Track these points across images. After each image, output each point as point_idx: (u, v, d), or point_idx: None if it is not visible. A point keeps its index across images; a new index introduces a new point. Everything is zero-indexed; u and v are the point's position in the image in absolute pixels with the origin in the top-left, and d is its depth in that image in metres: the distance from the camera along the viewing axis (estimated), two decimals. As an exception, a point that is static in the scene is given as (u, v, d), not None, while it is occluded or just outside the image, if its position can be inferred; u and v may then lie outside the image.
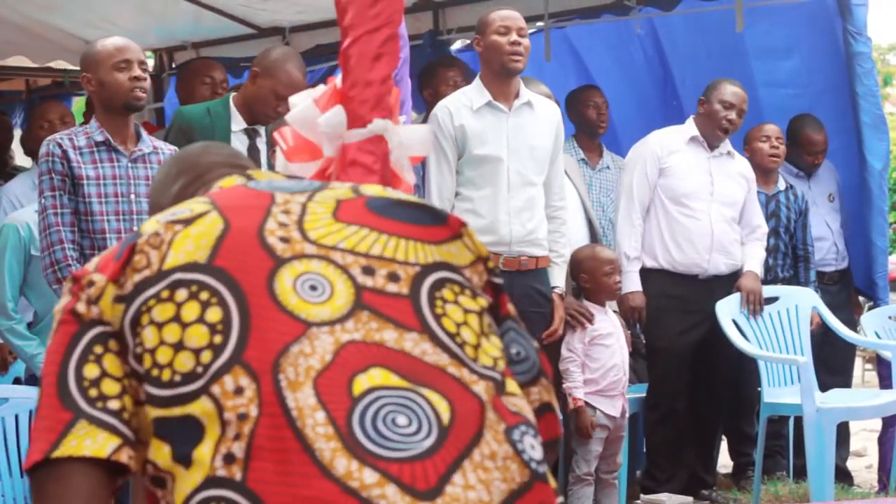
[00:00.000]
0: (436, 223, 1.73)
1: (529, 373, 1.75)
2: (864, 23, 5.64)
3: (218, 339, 1.58)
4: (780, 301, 5.60)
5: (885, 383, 5.74)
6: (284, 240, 1.64)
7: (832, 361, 5.82)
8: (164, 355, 1.58)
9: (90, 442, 1.57)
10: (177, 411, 1.57)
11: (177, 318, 1.58)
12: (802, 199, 5.89)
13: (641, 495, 5.40)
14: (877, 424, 6.15)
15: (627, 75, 6.55)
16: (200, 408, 1.56)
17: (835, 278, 6.01)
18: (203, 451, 1.54)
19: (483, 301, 1.68)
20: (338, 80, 2.35)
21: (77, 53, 6.87)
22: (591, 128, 5.97)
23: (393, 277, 1.65)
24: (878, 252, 5.85)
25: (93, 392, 1.59)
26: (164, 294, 1.59)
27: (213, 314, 1.59)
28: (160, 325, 1.58)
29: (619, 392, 4.86)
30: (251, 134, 4.65)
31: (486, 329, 1.66)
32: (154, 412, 1.58)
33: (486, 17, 4.71)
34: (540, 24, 6.43)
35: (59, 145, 3.81)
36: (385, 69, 2.30)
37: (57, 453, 1.57)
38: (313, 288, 1.62)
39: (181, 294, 1.59)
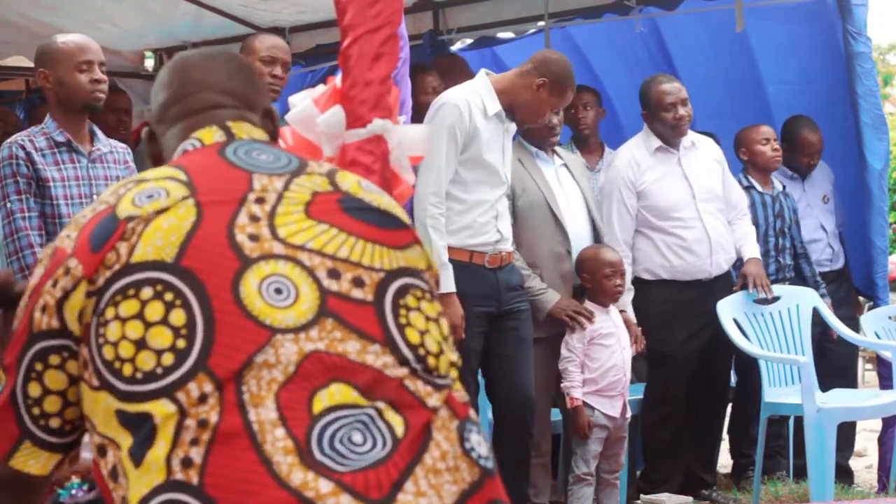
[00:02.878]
0: (399, 227, 1.74)
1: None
2: (864, 23, 5.63)
3: (181, 343, 1.58)
4: (780, 301, 5.59)
5: (885, 383, 5.74)
6: (253, 237, 1.64)
7: (834, 362, 5.82)
8: (125, 350, 1.59)
9: (34, 462, 1.70)
10: (134, 407, 1.58)
11: (140, 316, 1.59)
12: (793, 199, 5.92)
13: (641, 495, 5.40)
14: (877, 424, 6.15)
15: (631, 73, 6.55)
16: (158, 409, 1.57)
17: (830, 278, 6.01)
18: (157, 453, 1.56)
19: (440, 306, 1.70)
20: (337, 79, 2.35)
21: (77, 53, 6.89)
22: (573, 129, 5.96)
23: (358, 282, 1.65)
24: (878, 252, 5.85)
25: (35, 411, 1.68)
26: (130, 291, 1.60)
27: (177, 317, 1.59)
28: (124, 321, 1.60)
29: (619, 392, 4.85)
30: None
31: (446, 333, 1.70)
32: (116, 404, 1.60)
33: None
34: (540, 23, 6.43)
35: (23, 147, 3.74)
36: (385, 69, 2.30)
37: (12, 462, 1.70)
38: (278, 291, 1.61)
39: (146, 292, 1.60)
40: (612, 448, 4.89)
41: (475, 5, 6.68)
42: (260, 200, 1.69)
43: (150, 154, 1.91)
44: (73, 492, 2.04)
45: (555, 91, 4.64)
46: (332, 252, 1.66)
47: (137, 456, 1.58)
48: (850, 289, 6.10)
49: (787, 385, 5.43)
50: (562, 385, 4.83)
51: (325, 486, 1.53)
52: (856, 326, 5.70)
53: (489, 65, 6.72)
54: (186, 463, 1.55)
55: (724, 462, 6.10)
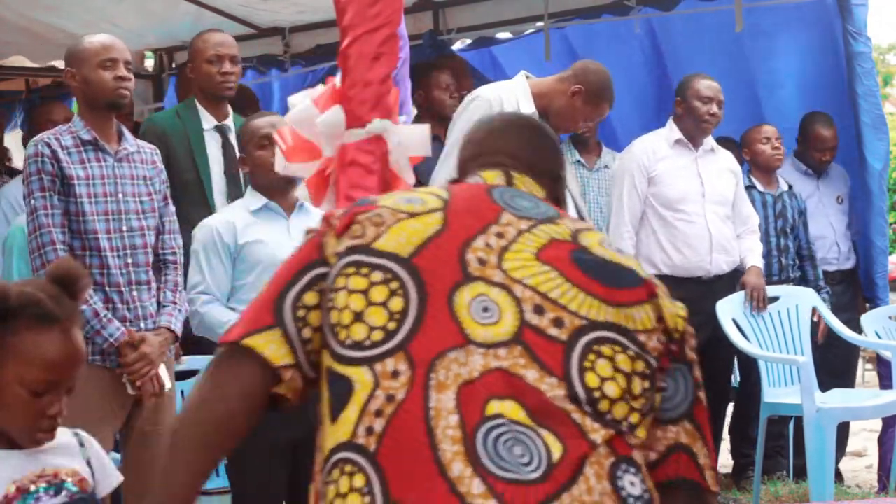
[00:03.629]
0: (629, 286, 1.89)
1: (672, 411, 1.92)
2: (864, 23, 5.63)
3: (392, 325, 1.82)
4: (780, 301, 5.59)
5: (885, 383, 5.74)
6: (481, 261, 1.87)
7: (835, 363, 5.82)
8: (346, 318, 1.84)
9: (273, 348, 1.87)
10: (341, 369, 1.82)
11: (365, 294, 1.84)
12: (801, 199, 5.90)
13: (641, 495, 5.39)
14: (877, 424, 6.15)
15: (626, 75, 6.55)
16: (359, 376, 1.80)
17: (837, 278, 6.01)
18: (349, 415, 1.79)
19: (641, 365, 1.84)
20: (337, 79, 2.35)
21: (77, 54, 6.89)
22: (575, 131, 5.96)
23: (558, 323, 1.83)
24: (878, 252, 5.85)
25: (301, 313, 1.88)
26: (364, 270, 1.85)
27: (396, 304, 1.83)
28: (350, 293, 1.85)
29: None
30: (223, 130, 4.72)
31: (634, 390, 1.82)
32: (328, 361, 1.85)
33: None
34: (539, 24, 6.43)
35: (48, 145, 3.76)
36: (384, 69, 2.30)
37: (246, 341, 1.88)
38: (485, 310, 1.83)
39: (376, 276, 1.85)
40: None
41: (475, 5, 6.68)
42: (500, 235, 1.91)
43: None
44: (40, 495, 2.04)
45: (589, 100, 4.63)
46: (544, 291, 1.84)
47: (334, 413, 1.82)
48: (857, 292, 6.08)
49: (787, 385, 5.43)
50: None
51: (477, 487, 1.69)
52: (857, 327, 5.70)
53: (486, 65, 6.74)
54: (369, 431, 1.76)
55: (724, 462, 6.10)
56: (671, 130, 5.50)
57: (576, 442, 1.75)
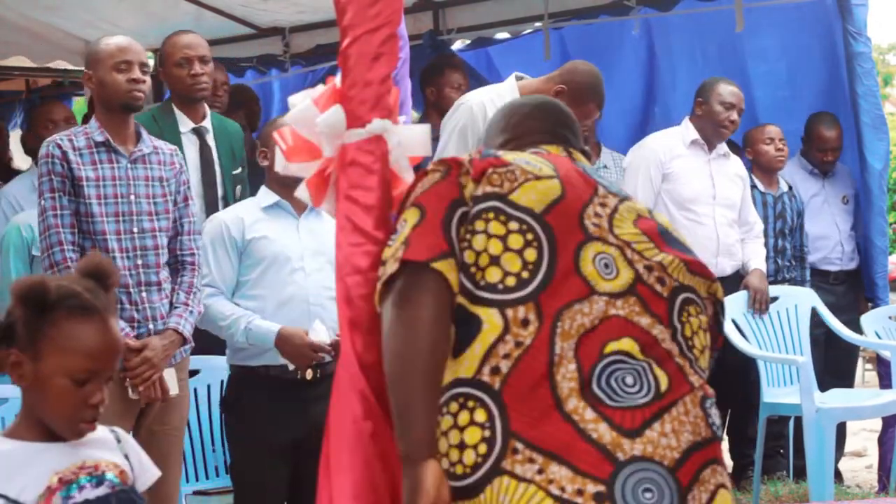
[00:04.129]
0: (695, 258, 2.31)
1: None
2: (864, 23, 5.63)
3: (526, 274, 2.09)
4: (779, 301, 5.59)
5: (885, 383, 5.74)
6: (596, 225, 2.20)
7: (836, 363, 5.82)
8: (483, 260, 2.07)
9: (453, 276, 2.06)
10: (471, 308, 2.05)
11: (503, 240, 2.09)
12: (800, 200, 5.90)
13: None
14: (877, 424, 6.15)
15: (626, 74, 6.55)
16: (489, 317, 2.05)
17: (840, 278, 6.00)
18: (474, 352, 2.03)
19: (706, 323, 2.24)
20: (337, 79, 2.35)
21: (77, 53, 6.88)
22: None
23: (661, 281, 2.22)
24: (878, 252, 5.85)
25: (456, 243, 2.08)
26: (502, 217, 2.11)
27: (530, 254, 2.11)
28: (489, 237, 2.09)
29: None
30: (200, 132, 4.72)
31: (707, 343, 2.23)
32: (458, 298, 2.05)
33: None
34: (538, 24, 6.43)
35: (59, 146, 3.77)
36: (384, 69, 2.30)
37: (435, 265, 2.05)
38: (606, 266, 2.18)
39: (513, 225, 2.10)
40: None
41: (475, 5, 6.68)
42: (602, 204, 2.24)
43: None
44: (83, 485, 2.07)
45: (572, 101, 4.48)
46: (648, 256, 2.23)
47: (458, 348, 2.03)
48: (860, 294, 6.07)
49: (787, 385, 5.43)
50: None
51: (590, 414, 2.06)
52: (858, 328, 5.70)
53: (483, 66, 6.73)
54: (495, 370, 2.03)
55: (724, 462, 6.09)
56: (687, 130, 5.50)
57: (679, 379, 2.14)
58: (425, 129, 2.47)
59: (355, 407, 2.16)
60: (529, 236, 2.10)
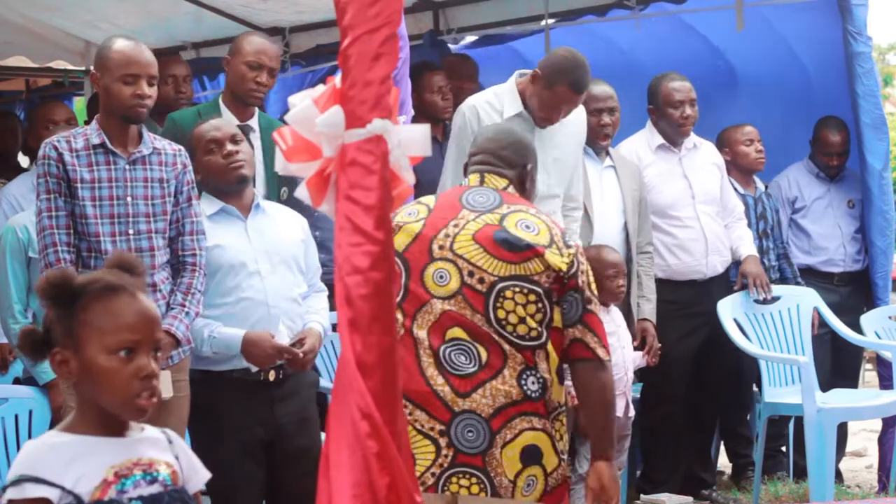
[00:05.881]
0: (524, 250, 3.15)
1: (570, 320, 3.19)
2: (864, 23, 5.63)
3: (399, 291, 3.18)
4: (781, 301, 5.60)
5: (885, 383, 5.74)
6: (441, 247, 3.19)
7: (840, 364, 5.83)
8: None
9: None
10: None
11: None
12: (774, 199, 5.92)
13: (641, 495, 5.40)
14: (877, 424, 6.15)
15: (629, 74, 6.55)
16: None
17: (845, 280, 6.00)
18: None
19: (533, 296, 3.14)
20: (337, 79, 2.34)
21: (77, 53, 6.89)
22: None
23: (481, 281, 3.16)
24: (878, 252, 5.86)
25: None
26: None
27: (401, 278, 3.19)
28: None
29: (621, 391, 4.84)
30: (244, 130, 4.67)
31: (529, 311, 3.14)
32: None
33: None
34: (541, 23, 6.43)
35: (56, 148, 3.77)
36: (384, 69, 2.29)
37: None
38: (441, 277, 3.17)
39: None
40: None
41: (475, 5, 6.68)
42: (456, 225, 3.21)
43: None
44: (138, 481, 2.08)
45: (545, 84, 4.51)
46: (474, 261, 3.16)
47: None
48: (864, 296, 6.07)
49: (788, 385, 5.43)
50: (565, 384, 4.82)
51: (440, 380, 3.14)
52: (857, 327, 5.70)
53: (495, 63, 6.71)
54: None
55: (725, 462, 6.10)
56: (652, 135, 5.50)
57: (496, 354, 3.14)
58: (425, 129, 2.47)
59: (353, 407, 2.16)
60: (398, 269, 3.16)
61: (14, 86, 8.94)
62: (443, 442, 3.13)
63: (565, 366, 3.27)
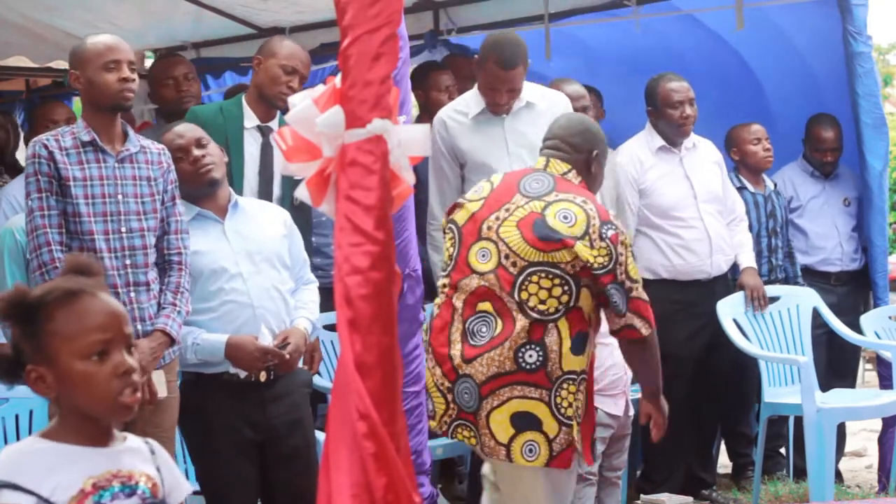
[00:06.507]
0: (556, 240, 3.54)
1: (619, 309, 3.61)
2: (864, 23, 5.63)
3: (449, 262, 3.70)
4: (781, 301, 5.60)
5: (885, 383, 5.74)
6: (489, 228, 3.64)
7: (837, 364, 5.82)
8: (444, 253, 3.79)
9: None
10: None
11: (448, 243, 3.75)
12: (784, 197, 5.92)
13: (641, 495, 5.40)
14: (877, 424, 6.14)
15: (625, 73, 6.55)
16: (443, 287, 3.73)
17: (843, 279, 6.00)
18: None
19: (557, 280, 3.54)
20: (337, 79, 2.34)
21: (77, 54, 6.88)
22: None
23: (514, 264, 3.57)
24: (878, 252, 5.85)
25: None
26: (447, 231, 3.78)
27: (450, 250, 3.72)
28: (447, 239, 3.79)
29: (620, 390, 4.84)
30: (264, 131, 4.67)
31: (554, 293, 3.54)
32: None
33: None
34: (540, 23, 6.43)
35: (46, 146, 3.75)
36: (384, 69, 2.29)
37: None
38: (483, 255, 3.62)
39: (448, 234, 3.75)
40: (615, 446, 4.88)
41: (475, 5, 6.68)
42: (507, 210, 3.63)
43: None
44: (115, 493, 2.06)
45: (479, 67, 4.63)
46: (511, 245, 3.58)
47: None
48: (861, 296, 6.07)
49: (787, 385, 5.43)
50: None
51: (458, 346, 3.60)
52: (858, 328, 5.70)
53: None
54: (430, 318, 3.77)
55: (725, 462, 6.10)
56: (652, 136, 5.51)
57: (509, 328, 3.54)
58: (425, 129, 2.47)
59: (352, 407, 2.16)
60: (453, 240, 3.72)
61: (14, 86, 8.93)
62: (449, 398, 3.62)
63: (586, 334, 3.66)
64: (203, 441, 3.87)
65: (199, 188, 3.96)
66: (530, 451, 3.57)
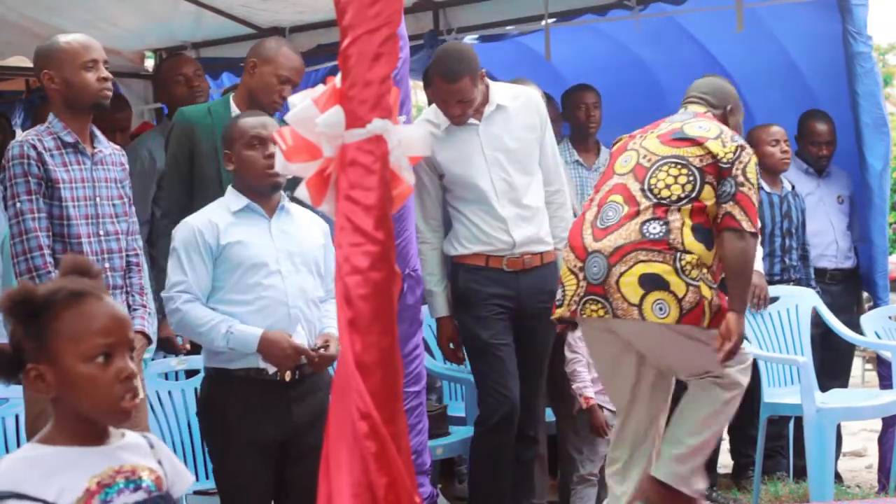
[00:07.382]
0: (687, 140, 4.04)
1: (724, 198, 3.96)
2: (864, 23, 5.63)
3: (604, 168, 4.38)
4: (780, 301, 5.60)
5: (885, 383, 5.74)
6: (635, 141, 4.18)
7: (830, 363, 5.82)
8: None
9: None
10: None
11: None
12: (802, 199, 5.91)
13: (641, 495, 5.38)
14: (877, 424, 6.15)
15: (622, 75, 6.55)
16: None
17: (837, 278, 6.00)
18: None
19: (685, 171, 3.98)
20: (337, 79, 2.34)
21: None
22: (581, 128, 5.96)
23: (648, 160, 4.06)
24: (878, 252, 5.85)
25: None
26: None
27: (605, 167, 4.37)
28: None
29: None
30: None
31: (681, 181, 3.97)
32: None
33: None
34: (540, 23, 6.43)
35: (34, 147, 3.69)
36: (384, 69, 2.29)
37: None
38: (626, 161, 4.13)
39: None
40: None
41: (476, 5, 6.68)
42: (652, 132, 4.16)
43: None
44: (121, 489, 2.06)
45: (426, 85, 4.69)
46: (649, 148, 4.09)
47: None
48: (858, 294, 6.06)
49: (787, 385, 5.43)
50: (573, 386, 4.82)
51: (588, 231, 4.04)
52: (856, 327, 5.69)
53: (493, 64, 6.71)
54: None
55: (724, 462, 6.10)
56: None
57: (633, 211, 3.96)
58: (425, 128, 2.47)
59: (352, 407, 2.16)
60: (607, 163, 4.32)
61: (14, 86, 8.92)
62: (580, 276, 3.99)
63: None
64: (221, 439, 3.86)
65: (260, 185, 3.88)
66: (660, 309, 3.86)
